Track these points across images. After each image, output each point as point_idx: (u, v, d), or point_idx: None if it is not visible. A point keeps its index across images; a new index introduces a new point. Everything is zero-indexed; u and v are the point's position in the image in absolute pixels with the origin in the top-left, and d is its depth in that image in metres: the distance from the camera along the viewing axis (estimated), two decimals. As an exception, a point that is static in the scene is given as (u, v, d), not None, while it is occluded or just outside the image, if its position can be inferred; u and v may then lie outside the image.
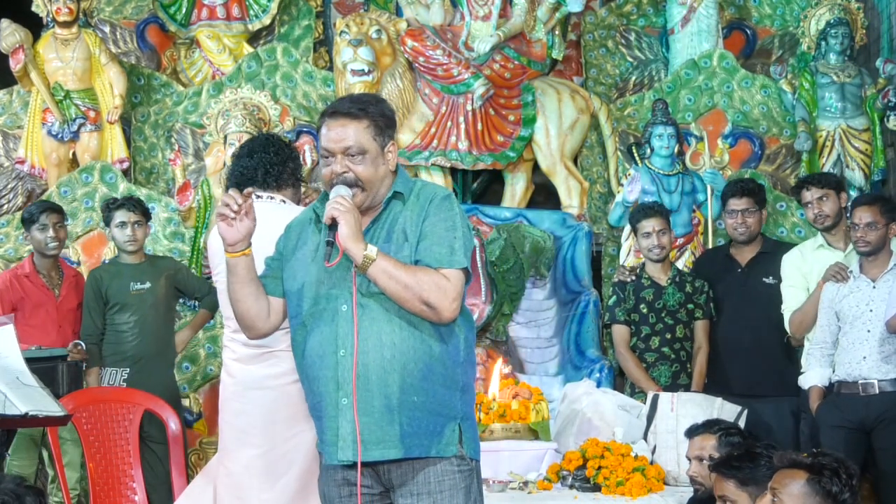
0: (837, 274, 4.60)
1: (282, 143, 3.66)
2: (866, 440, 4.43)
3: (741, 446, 3.43)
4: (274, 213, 3.30)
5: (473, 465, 2.78)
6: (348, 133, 2.72)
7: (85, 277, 5.41)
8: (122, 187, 6.20)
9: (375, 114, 2.75)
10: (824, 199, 4.84)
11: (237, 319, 2.89)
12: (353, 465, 2.69)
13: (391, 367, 2.65)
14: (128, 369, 5.13)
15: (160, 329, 5.25)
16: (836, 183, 4.96)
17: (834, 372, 4.56)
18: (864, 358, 4.43)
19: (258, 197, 3.50)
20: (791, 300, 4.90)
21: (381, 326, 2.66)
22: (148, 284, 5.21)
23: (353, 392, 2.63)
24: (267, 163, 3.54)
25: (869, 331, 4.44)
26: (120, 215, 5.22)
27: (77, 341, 5.08)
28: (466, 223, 2.78)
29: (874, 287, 4.48)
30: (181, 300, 5.59)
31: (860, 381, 4.43)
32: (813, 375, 4.63)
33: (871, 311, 4.45)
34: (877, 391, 4.40)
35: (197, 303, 5.53)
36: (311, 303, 2.74)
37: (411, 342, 2.67)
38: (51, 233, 5.13)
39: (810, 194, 4.88)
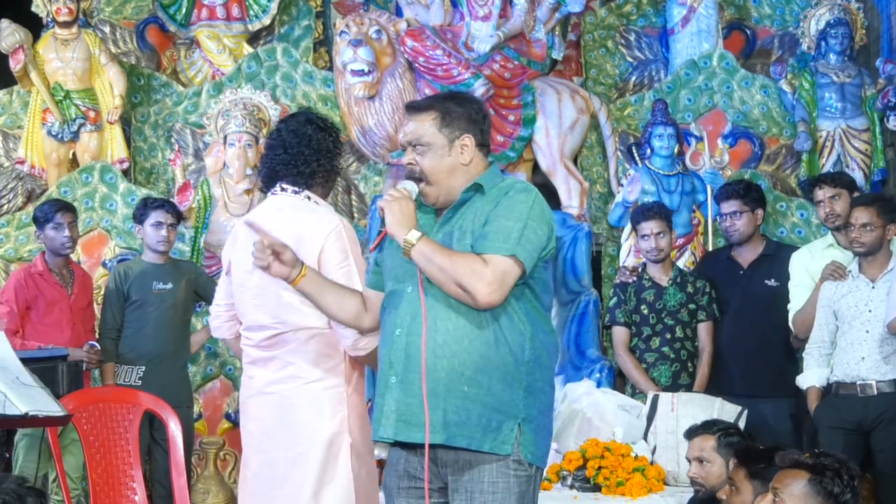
0: (835, 273, 4.59)
1: (321, 135, 3.40)
2: (864, 441, 4.42)
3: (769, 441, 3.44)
4: (296, 210, 3.27)
5: (532, 472, 2.70)
6: (411, 126, 2.78)
7: (91, 276, 5.41)
8: (122, 187, 6.20)
9: (442, 106, 2.78)
10: (836, 198, 4.81)
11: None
12: (414, 457, 2.71)
13: (441, 353, 2.65)
14: (143, 367, 5.15)
15: (177, 330, 5.28)
16: (849, 183, 4.95)
17: (832, 372, 4.55)
18: (863, 359, 4.42)
19: (283, 190, 3.36)
20: (797, 299, 4.87)
21: (439, 312, 2.67)
22: (170, 285, 5.23)
23: (421, 371, 2.66)
24: (301, 161, 3.35)
25: (868, 331, 4.42)
26: (157, 215, 5.23)
27: (92, 342, 5.10)
28: (543, 220, 2.72)
29: (873, 287, 4.46)
30: (198, 304, 5.60)
31: (858, 382, 4.41)
32: (811, 376, 4.62)
33: (869, 311, 4.44)
34: (875, 392, 4.38)
35: None
36: (389, 287, 2.83)
37: (466, 331, 2.66)
38: (66, 232, 5.12)
39: (823, 193, 4.86)
